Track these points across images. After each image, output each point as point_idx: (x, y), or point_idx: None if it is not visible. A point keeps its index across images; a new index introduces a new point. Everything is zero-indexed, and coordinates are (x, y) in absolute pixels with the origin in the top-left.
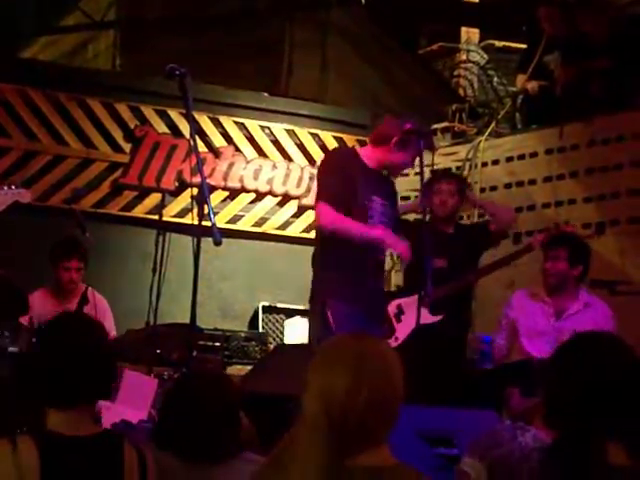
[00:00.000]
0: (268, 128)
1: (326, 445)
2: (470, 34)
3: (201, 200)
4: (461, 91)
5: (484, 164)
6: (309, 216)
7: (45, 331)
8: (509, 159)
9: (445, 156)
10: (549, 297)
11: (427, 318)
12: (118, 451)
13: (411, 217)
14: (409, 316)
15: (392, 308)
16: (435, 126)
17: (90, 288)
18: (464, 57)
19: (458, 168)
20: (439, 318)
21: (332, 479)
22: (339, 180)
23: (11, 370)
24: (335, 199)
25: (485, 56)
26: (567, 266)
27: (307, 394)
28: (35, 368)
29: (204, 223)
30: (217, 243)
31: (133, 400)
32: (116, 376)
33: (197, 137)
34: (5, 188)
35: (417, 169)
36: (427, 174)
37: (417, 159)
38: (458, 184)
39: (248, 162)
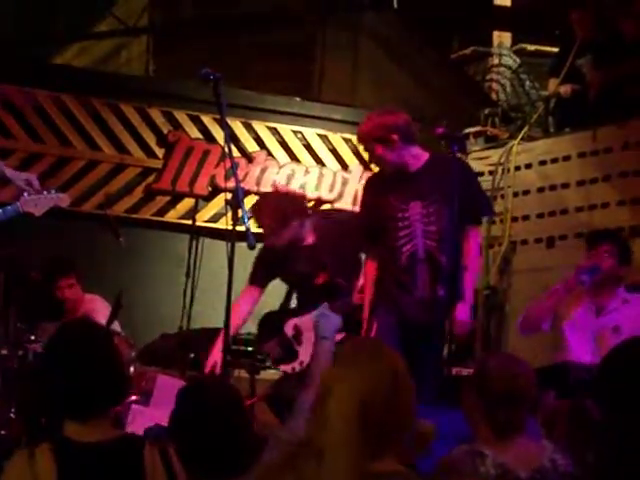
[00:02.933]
0: (301, 133)
1: (358, 448)
2: (502, 38)
3: (235, 205)
4: (493, 95)
5: (517, 168)
6: None
7: (51, 343)
8: (542, 163)
9: (478, 160)
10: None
11: None
12: (137, 455)
13: None
14: (309, 336)
15: (289, 330)
16: (467, 130)
17: (87, 295)
18: (496, 61)
19: (491, 172)
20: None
21: None
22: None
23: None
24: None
25: (517, 60)
26: (616, 263)
27: (337, 396)
28: (45, 380)
29: (238, 228)
30: (251, 247)
31: (166, 404)
32: (127, 381)
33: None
34: (45, 192)
35: None
36: None
37: None
38: None
39: (281, 167)
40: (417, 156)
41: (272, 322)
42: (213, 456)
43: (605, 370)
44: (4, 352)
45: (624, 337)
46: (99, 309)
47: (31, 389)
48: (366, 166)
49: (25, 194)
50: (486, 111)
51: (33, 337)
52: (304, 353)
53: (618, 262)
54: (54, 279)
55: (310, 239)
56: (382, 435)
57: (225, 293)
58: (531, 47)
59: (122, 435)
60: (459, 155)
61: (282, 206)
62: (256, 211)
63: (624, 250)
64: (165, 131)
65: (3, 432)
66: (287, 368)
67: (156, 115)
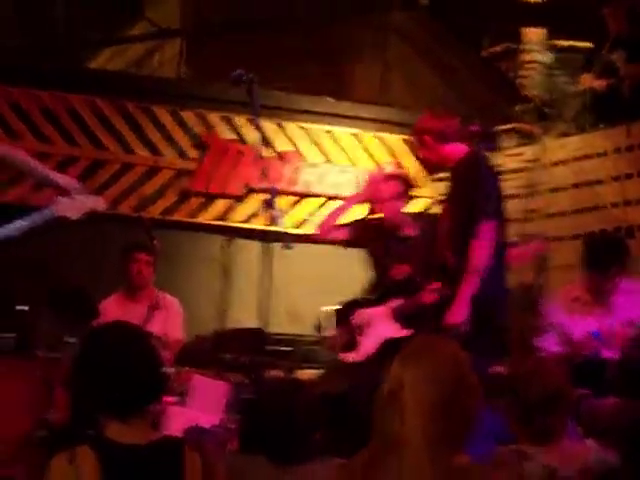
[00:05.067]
0: (332, 132)
1: (435, 442)
2: (534, 34)
3: (269, 205)
4: (526, 91)
5: (551, 164)
6: None
7: (90, 342)
8: (576, 159)
9: (512, 157)
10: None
11: (394, 332)
12: (177, 457)
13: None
14: (375, 328)
15: (357, 319)
16: (501, 127)
17: (160, 292)
18: (528, 57)
19: (525, 169)
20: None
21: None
22: None
23: None
24: None
25: (550, 55)
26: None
27: (411, 393)
28: (84, 378)
29: (272, 228)
30: (287, 247)
31: (204, 405)
32: (164, 379)
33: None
34: (81, 197)
35: None
36: None
37: None
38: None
39: (314, 167)
40: (453, 157)
41: (345, 310)
42: (292, 442)
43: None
44: (41, 354)
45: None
46: (179, 315)
47: (69, 389)
48: (399, 164)
49: (61, 198)
50: (519, 108)
51: (69, 340)
52: (365, 344)
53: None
54: (139, 250)
55: (409, 231)
56: (455, 429)
57: (260, 294)
58: (564, 42)
59: (162, 437)
60: (488, 152)
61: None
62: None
63: (627, 260)
64: (198, 133)
65: (42, 433)
66: (348, 357)
67: (189, 117)
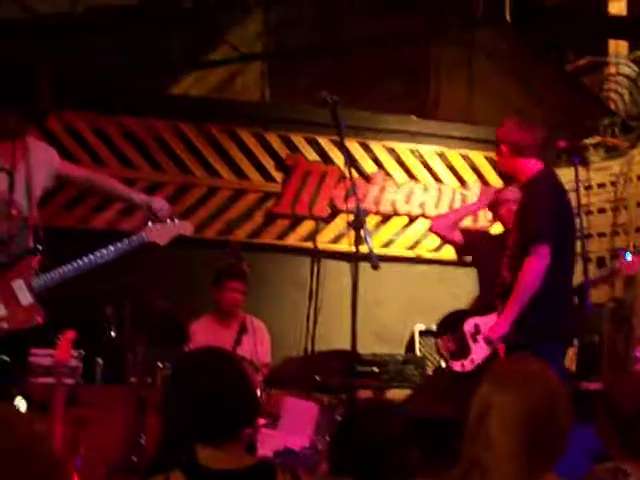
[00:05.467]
0: (418, 151)
1: (524, 464)
2: (618, 47)
3: (357, 225)
4: (612, 105)
5: (639, 177)
6: None
7: (182, 368)
8: None
9: (599, 171)
10: None
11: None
12: None
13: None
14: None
15: (469, 327)
16: (587, 141)
17: (248, 315)
18: (613, 70)
19: (613, 183)
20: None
21: None
22: None
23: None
24: None
25: (635, 68)
26: None
27: (500, 413)
28: (176, 404)
29: (360, 248)
30: (375, 267)
31: (294, 427)
32: (258, 403)
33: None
34: (169, 222)
35: (572, 185)
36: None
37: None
38: None
39: (399, 186)
40: (524, 172)
41: (453, 318)
42: (383, 465)
43: None
44: (133, 379)
45: None
46: (267, 339)
47: (161, 415)
48: (484, 182)
49: (150, 224)
50: (605, 121)
51: (160, 364)
52: (477, 352)
53: None
54: (235, 279)
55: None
56: (545, 450)
57: (348, 315)
58: None
59: (255, 462)
60: (575, 167)
61: None
62: None
63: None
64: (283, 155)
65: (135, 458)
66: (457, 365)
67: (273, 140)
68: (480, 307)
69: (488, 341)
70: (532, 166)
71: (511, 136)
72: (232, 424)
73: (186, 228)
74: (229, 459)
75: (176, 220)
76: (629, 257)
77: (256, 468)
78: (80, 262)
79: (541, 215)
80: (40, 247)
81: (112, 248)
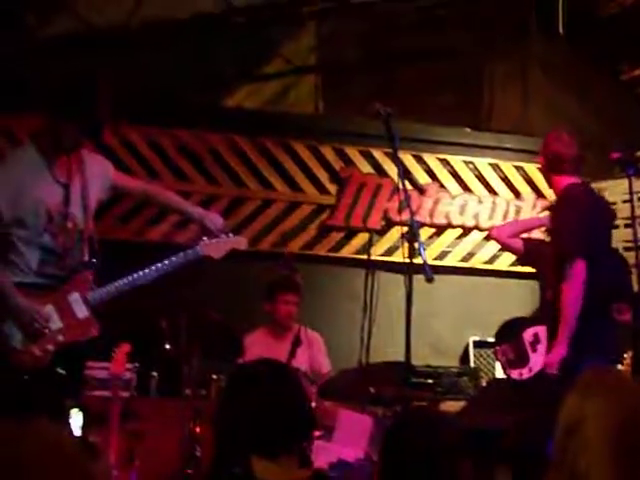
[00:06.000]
0: (472, 163)
1: (620, 473)
2: None
3: (411, 237)
4: None
5: None
6: None
7: (237, 380)
8: None
9: None
10: None
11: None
12: None
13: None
14: (544, 346)
15: (528, 336)
16: None
17: (302, 327)
18: None
19: None
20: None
21: None
22: None
23: None
24: None
25: None
26: None
27: (595, 422)
28: (231, 417)
29: (415, 260)
30: (429, 280)
31: (349, 439)
32: (314, 417)
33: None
34: (223, 236)
35: (626, 197)
36: (637, 202)
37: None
38: None
39: (453, 198)
40: (557, 185)
41: (512, 327)
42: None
43: None
44: (187, 392)
45: None
46: (323, 349)
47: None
48: (539, 194)
49: (205, 238)
50: None
51: (215, 376)
52: (536, 361)
53: None
54: (289, 291)
55: None
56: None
57: (402, 327)
58: None
59: (310, 475)
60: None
61: None
62: None
63: None
64: (337, 167)
65: (190, 471)
66: (515, 373)
67: (327, 152)
68: (541, 316)
69: (548, 369)
70: (565, 180)
71: (548, 149)
72: (288, 437)
73: (240, 243)
74: (284, 472)
75: (231, 234)
76: None
77: None
78: (135, 275)
79: (572, 232)
80: (95, 260)
81: (167, 262)
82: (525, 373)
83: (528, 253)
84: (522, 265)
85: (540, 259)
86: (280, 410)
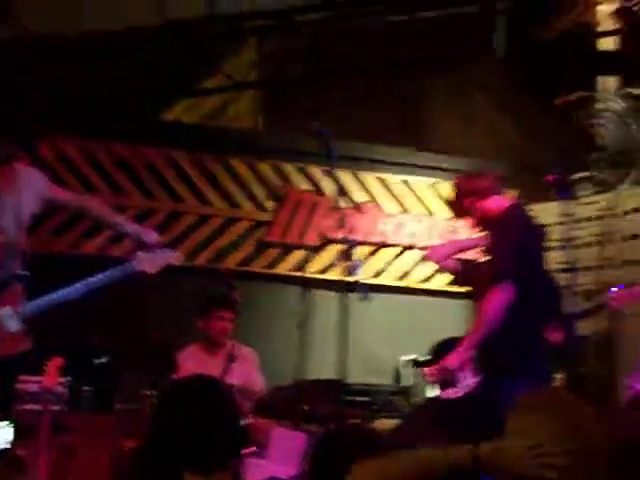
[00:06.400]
0: (409, 182)
1: None
2: (607, 82)
3: (347, 256)
4: (600, 140)
5: (626, 212)
6: None
7: (169, 396)
8: None
9: (587, 205)
10: None
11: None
12: None
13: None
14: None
15: None
16: (576, 176)
17: (236, 343)
18: (602, 106)
19: (600, 217)
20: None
21: None
22: None
23: None
24: None
25: (623, 104)
26: None
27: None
28: (163, 433)
29: (349, 278)
30: (363, 298)
31: (282, 456)
32: (246, 433)
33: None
34: (158, 251)
35: (560, 219)
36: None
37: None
38: None
39: (390, 217)
40: (494, 210)
41: (444, 347)
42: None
43: None
44: (119, 407)
45: None
46: (257, 366)
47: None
48: None
49: (140, 252)
50: (593, 156)
51: (148, 392)
52: (465, 382)
53: None
54: (224, 308)
55: None
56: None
57: (337, 344)
58: (637, 91)
59: None
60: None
61: None
62: None
63: None
64: (275, 184)
65: None
66: (444, 393)
67: (265, 169)
68: None
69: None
70: (498, 201)
71: (470, 185)
72: (221, 453)
73: (175, 258)
74: None
75: (165, 249)
76: (615, 291)
77: None
78: (69, 289)
79: (505, 253)
80: (27, 273)
81: (101, 275)
82: (454, 393)
83: (463, 274)
84: (457, 285)
85: (475, 280)
86: (213, 425)
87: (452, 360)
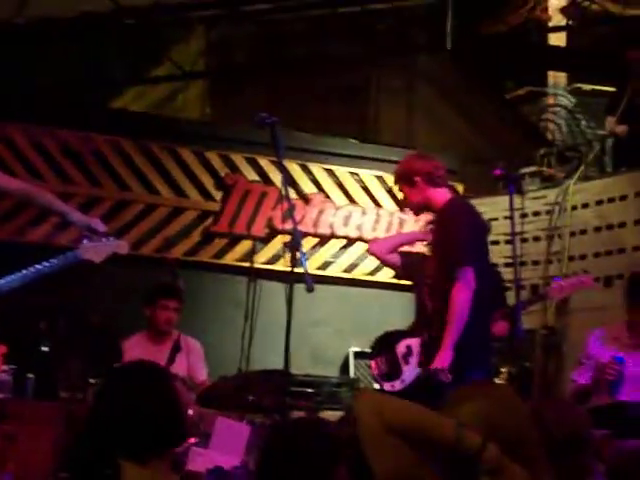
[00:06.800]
0: (357, 174)
1: None
2: (557, 78)
3: (293, 247)
4: (549, 135)
5: (574, 208)
6: None
7: (110, 383)
8: (599, 202)
9: (534, 200)
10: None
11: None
12: None
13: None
14: (417, 360)
15: (401, 348)
16: (524, 170)
17: (182, 334)
18: (552, 101)
19: (548, 212)
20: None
21: None
22: None
23: None
24: None
25: (573, 100)
26: None
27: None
28: (103, 419)
29: (296, 270)
30: (309, 290)
31: (226, 446)
32: (186, 423)
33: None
34: (104, 240)
35: (508, 213)
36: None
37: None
38: None
39: (338, 209)
40: (437, 201)
41: (387, 339)
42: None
43: None
44: (64, 395)
45: None
46: (202, 357)
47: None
48: None
49: (85, 241)
50: (542, 151)
51: (92, 380)
52: (408, 373)
53: None
54: (168, 297)
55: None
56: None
57: (283, 335)
58: (586, 87)
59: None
60: (511, 195)
61: None
62: None
63: None
64: (222, 174)
65: (63, 475)
66: (387, 385)
67: (213, 158)
68: (414, 329)
69: (437, 374)
70: (443, 196)
71: (424, 166)
72: (158, 444)
73: (121, 247)
74: (155, 477)
75: (111, 238)
76: (558, 281)
77: None
78: (13, 276)
79: (460, 241)
80: None
81: (46, 264)
82: (397, 385)
83: (405, 267)
84: (399, 279)
85: (417, 273)
86: (152, 413)
87: (442, 361)
